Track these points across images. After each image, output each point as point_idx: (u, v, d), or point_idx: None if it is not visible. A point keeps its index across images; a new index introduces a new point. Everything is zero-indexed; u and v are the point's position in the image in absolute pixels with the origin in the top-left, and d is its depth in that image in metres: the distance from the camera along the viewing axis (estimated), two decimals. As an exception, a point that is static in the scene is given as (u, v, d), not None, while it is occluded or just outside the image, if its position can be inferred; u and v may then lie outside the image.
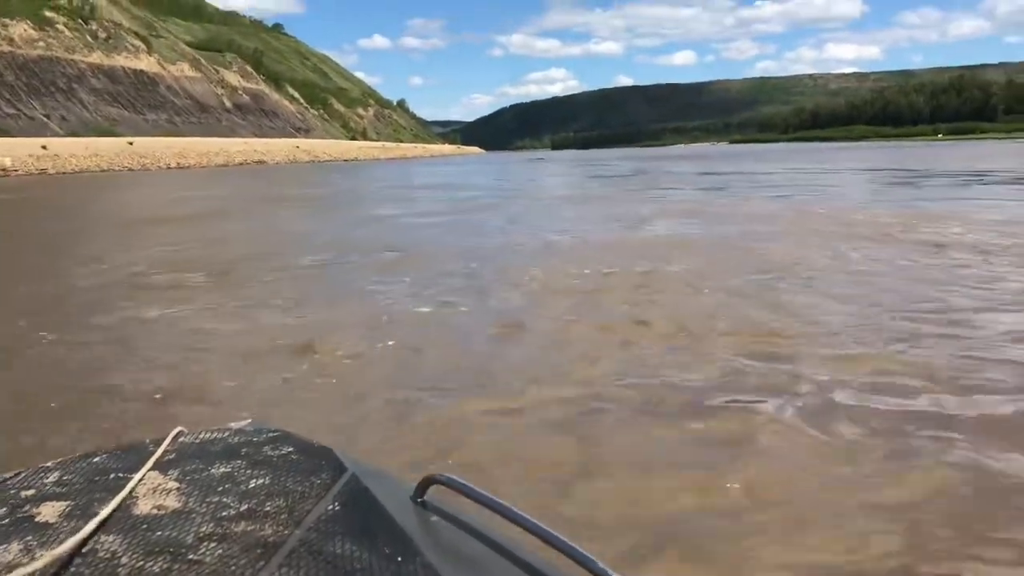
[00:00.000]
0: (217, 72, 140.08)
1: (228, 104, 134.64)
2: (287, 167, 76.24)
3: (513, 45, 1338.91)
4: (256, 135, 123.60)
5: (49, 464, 0.98)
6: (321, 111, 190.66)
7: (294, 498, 0.90)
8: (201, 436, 1.08)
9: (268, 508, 0.87)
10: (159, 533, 0.81)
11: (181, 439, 1.07)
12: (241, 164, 79.85)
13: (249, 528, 0.83)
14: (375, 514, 0.89)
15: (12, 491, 0.90)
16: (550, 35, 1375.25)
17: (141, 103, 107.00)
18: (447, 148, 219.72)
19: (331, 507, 0.89)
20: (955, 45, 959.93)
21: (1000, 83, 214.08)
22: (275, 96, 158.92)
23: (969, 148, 79.29)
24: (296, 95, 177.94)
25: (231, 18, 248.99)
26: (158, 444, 1.03)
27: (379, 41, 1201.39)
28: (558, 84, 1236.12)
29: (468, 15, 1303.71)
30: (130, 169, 62.08)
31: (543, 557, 0.86)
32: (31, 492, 0.89)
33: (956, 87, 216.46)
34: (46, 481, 0.93)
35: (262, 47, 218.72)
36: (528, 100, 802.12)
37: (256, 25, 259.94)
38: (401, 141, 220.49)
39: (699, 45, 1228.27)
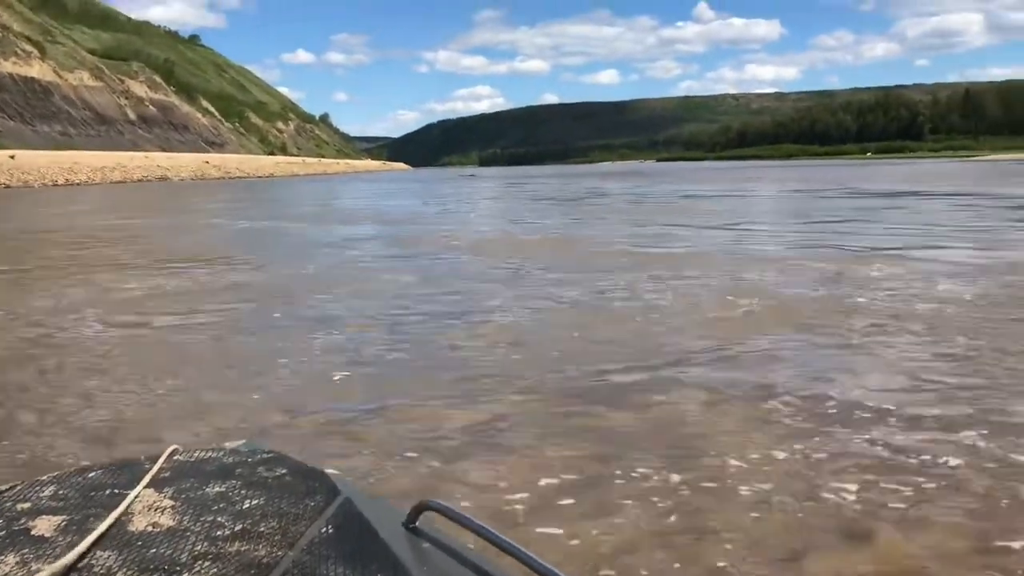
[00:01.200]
0: (122, 82, 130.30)
1: (132, 116, 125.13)
2: (193, 184, 69.11)
3: (439, 62, 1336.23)
4: (163, 149, 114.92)
5: (44, 478, 0.98)
6: (237, 125, 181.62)
7: (288, 520, 0.90)
8: (196, 455, 1.08)
9: (262, 529, 0.87)
10: (154, 550, 0.81)
11: (176, 457, 1.07)
12: (141, 180, 72.48)
13: (243, 548, 0.83)
14: (368, 538, 0.89)
15: (8, 504, 0.90)
16: (476, 52, 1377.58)
17: (30, 113, 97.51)
18: (372, 164, 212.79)
19: (324, 530, 0.89)
20: (869, 67, 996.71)
21: (926, 102, 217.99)
22: (186, 108, 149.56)
23: (908, 167, 77.12)
24: (210, 108, 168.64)
25: (143, 27, 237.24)
26: (153, 461, 1.04)
27: (303, 56, 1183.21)
28: (485, 101, 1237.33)
29: (393, 31, 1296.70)
30: (7, 185, 54.29)
31: None
32: (27, 505, 0.90)
33: (882, 106, 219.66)
34: (42, 495, 0.93)
35: (176, 58, 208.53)
36: (455, 116, 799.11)
37: (171, 36, 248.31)
38: (324, 156, 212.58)
39: (623, 64, 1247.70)
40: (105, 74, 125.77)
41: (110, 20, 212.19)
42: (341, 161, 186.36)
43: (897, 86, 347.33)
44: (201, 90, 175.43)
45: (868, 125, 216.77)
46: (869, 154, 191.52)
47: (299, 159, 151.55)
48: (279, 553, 0.82)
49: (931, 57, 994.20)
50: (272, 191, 46.64)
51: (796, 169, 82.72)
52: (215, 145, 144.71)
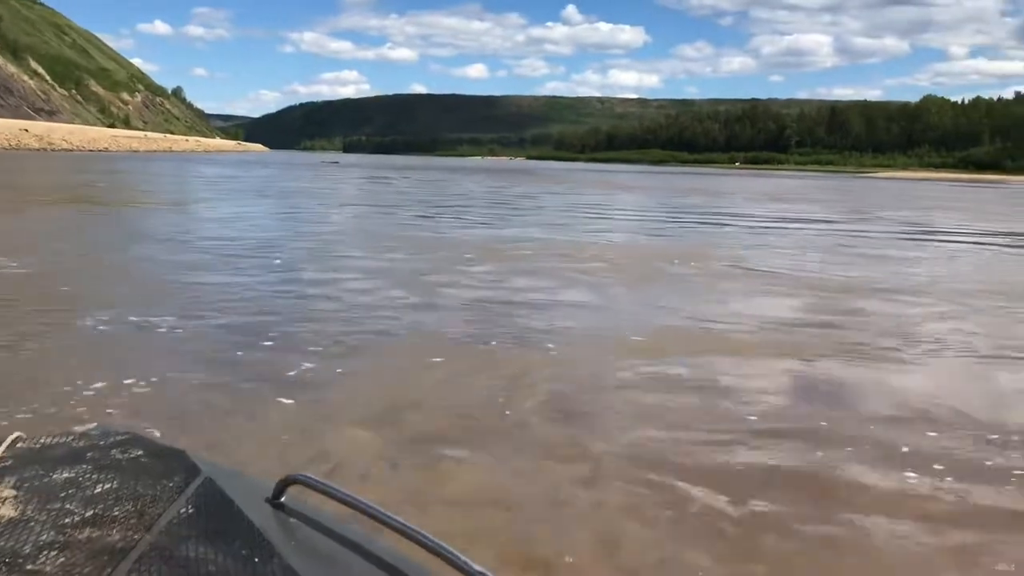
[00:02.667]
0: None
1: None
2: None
3: (305, 43, 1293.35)
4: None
5: None
6: (74, 92, 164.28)
7: (144, 502, 0.87)
8: (41, 441, 1.03)
9: (116, 513, 0.84)
10: None
11: (19, 445, 1.02)
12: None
13: (95, 535, 0.79)
14: (230, 516, 0.86)
15: None
16: (344, 36, 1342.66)
17: None
18: (225, 143, 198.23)
19: (184, 510, 0.86)
20: (727, 80, 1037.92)
21: (793, 116, 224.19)
22: (11, 69, 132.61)
23: (778, 181, 75.19)
24: (41, 71, 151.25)
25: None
26: None
27: (160, 27, 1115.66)
28: (351, 86, 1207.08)
29: (257, 8, 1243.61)
30: None
31: (405, 554, 0.85)
32: None
33: (750, 117, 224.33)
34: None
35: (5, 13, 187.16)
36: (320, 100, 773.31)
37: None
38: (172, 132, 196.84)
39: (492, 59, 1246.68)
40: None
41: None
42: (191, 138, 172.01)
43: (752, 99, 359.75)
44: (32, 50, 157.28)
45: (736, 135, 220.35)
46: (738, 164, 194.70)
47: (141, 134, 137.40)
48: (135, 537, 0.79)
49: (785, 74, 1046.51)
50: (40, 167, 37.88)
51: (662, 178, 79.45)
52: (44, 112, 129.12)
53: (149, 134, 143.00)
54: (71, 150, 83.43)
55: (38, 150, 76.11)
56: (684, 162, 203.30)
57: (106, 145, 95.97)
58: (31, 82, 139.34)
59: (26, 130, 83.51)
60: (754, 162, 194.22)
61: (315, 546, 0.87)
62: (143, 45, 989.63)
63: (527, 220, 19.04)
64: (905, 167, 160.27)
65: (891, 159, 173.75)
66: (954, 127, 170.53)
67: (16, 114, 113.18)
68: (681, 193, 39.38)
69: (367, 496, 0.86)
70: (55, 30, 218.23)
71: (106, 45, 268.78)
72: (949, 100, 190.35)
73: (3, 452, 0.98)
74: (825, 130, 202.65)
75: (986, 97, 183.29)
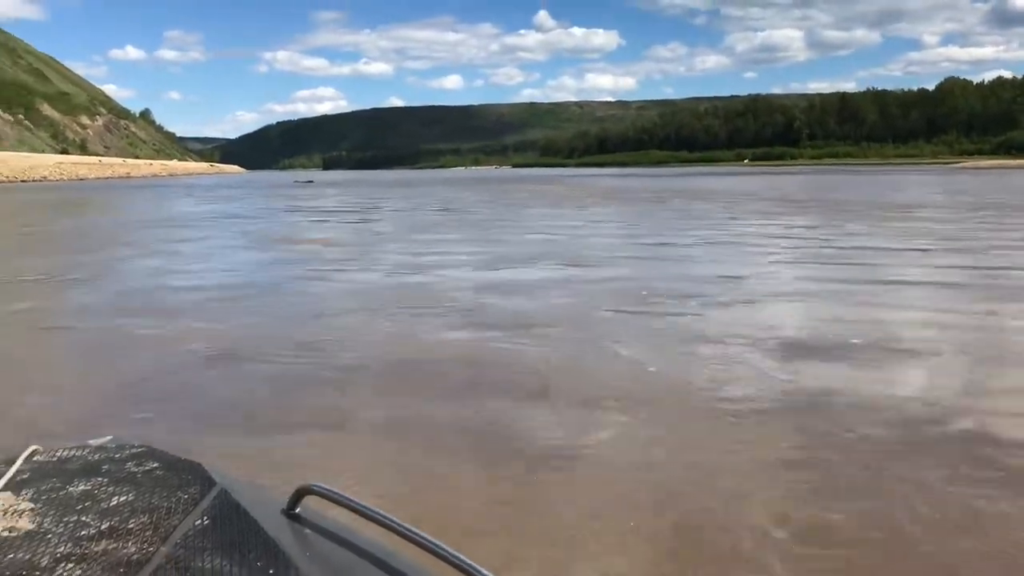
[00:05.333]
0: None
1: None
2: None
3: (279, 62, 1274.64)
4: None
5: None
6: (22, 117, 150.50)
7: (160, 514, 0.86)
8: (58, 454, 1.03)
9: (132, 525, 0.84)
10: (11, 556, 0.76)
11: (36, 458, 1.01)
12: None
13: (111, 547, 0.79)
14: (246, 527, 0.86)
15: None
16: (318, 54, 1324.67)
17: None
18: (196, 166, 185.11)
19: (199, 522, 0.86)
20: (702, 78, 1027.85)
21: (802, 107, 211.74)
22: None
23: (837, 178, 63.22)
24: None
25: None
26: (10, 464, 0.98)
27: (132, 53, 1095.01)
28: (327, 103, 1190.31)
29: (230, 30, 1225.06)
30: None
31: (420, 564, 0.84)
32: None
33: (752, 111, 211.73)
34: None
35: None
36: (297, 118, 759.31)
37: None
38: (138, 156, 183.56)
39: (467, 70, 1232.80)
40: None
41: None
42: (156, 162, 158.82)
43: (732, 96, 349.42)
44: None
45: (739, 130, 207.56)
46: (747, 161, 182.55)
47: (94, 159, 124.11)
48: (151, 549, 0.79)
49: (758, 70, 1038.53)
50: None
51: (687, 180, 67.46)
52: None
53: (104, 159, 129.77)
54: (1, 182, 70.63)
55: (-48, 183, 63.30)
56: (686, 162, 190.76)
57: (45, 174, 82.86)
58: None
59: (-59, 160, 70.24)
60: (764, 158, 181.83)
61: (330, 557, 0.86)
62: (116, 72, 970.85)
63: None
64: (935, 156, 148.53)
65: (916, 148, 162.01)
66: (983, 110, 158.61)
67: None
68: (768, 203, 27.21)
69: (380, 505, 0.86)
70: (10, 55, 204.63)
71: (69, 70, 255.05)
72: (971, 82, 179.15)
73: (21, 465, 0.98)
74: (836, 121, 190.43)
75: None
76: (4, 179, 73.69)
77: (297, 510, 0.94)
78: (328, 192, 42.55)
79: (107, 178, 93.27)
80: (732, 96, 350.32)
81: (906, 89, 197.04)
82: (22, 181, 74.45)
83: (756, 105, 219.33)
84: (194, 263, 12.32)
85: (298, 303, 8.41)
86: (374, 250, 13.74)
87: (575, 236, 15.93)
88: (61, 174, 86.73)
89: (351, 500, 0.88)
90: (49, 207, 31.82)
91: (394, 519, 0.84)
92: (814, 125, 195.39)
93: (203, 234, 17.55)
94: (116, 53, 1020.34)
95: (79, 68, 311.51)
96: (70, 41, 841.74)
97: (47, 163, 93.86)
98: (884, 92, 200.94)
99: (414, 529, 0.82)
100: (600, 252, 12.91)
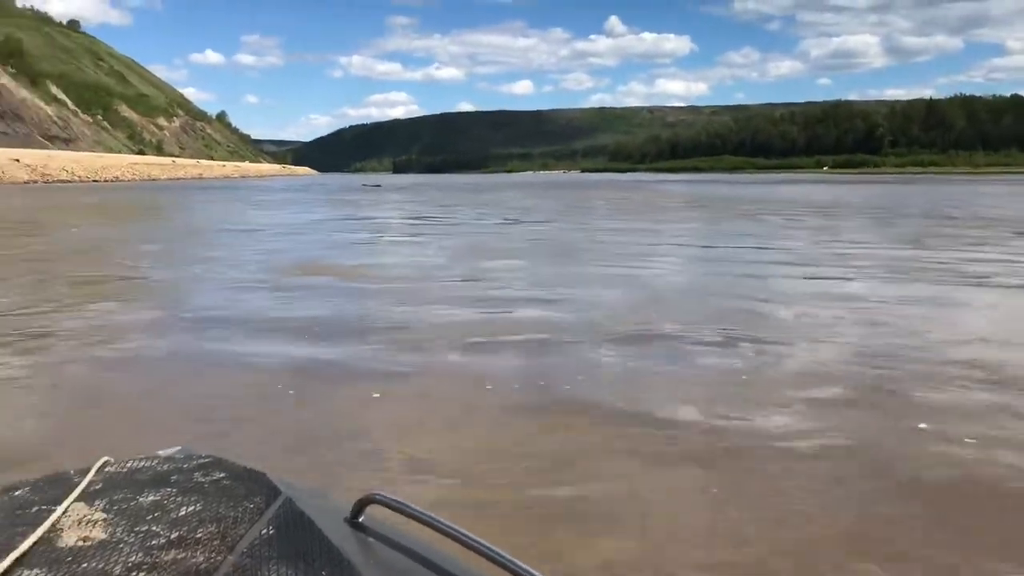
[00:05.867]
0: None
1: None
2: None
3: (353, 67, 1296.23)
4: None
5: None
6: (100, 117, 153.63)
7: (226, 524, 0.88)
8: (128, 465, 1.05)
9: (200, 535, 0.85)
10: (85, 565, 0.78)
11: (107, 469, 1.03)
12: None
13: (180, 556, 0.80)
14: (310, 537, 0.87)
15: None
16: (391, 58, 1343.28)
17: None
18: (268, 168, 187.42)
19: (265, 531, 0.87)
20: (775, 84, 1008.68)
21: (884, 114, 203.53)
22: (23, 95, 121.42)
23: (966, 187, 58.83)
24: (62, 96, 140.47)
25: (3, 5, 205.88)
26: (83, 475, 1.00)
27: (212, 57, 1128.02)
28: (399, 107, 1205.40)
29: (306, 34, 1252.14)
30: None
31: (484, 575, 0.84)
32: None
33: (832, 117, 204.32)
34: None
35: (42, 42, 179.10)
36: (369, 122, 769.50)
37: (38, 17, 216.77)
38: (213, 157, 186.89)
39: (537, 75, 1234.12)
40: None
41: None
42: (229, 164, 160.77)
43: (806, 102, 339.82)
44: (55, 75, 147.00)
45: (818, 137, 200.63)
46: (825, 168, 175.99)
47: (168, 160, 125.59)
48: (218, 558, 0.80)
49: (833, 76, 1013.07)
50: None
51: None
52: (59, 140, 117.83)
53: (178, 160, 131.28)
54: (70, 181, 71.00)
55: (26, 183, 63.60)
56: (762, 168, 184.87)
57: (118, 174, 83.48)
58: (47, 108, 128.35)
59: (17, 160, 70.89)
60: (845, 166, 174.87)
61: (394, 566, 0.87)
62: (196, 75, 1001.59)
63: None
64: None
65: (1008, 156, 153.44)
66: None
67: (25, 143, 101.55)
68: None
69: (444, 515, 0.86)
70: (92, 57, 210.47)
71: (150, 73, 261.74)
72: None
73: (93, 476, 1.00)
74: (921, 128, 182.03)
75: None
76: (77, 178, 74.24)
77: (360, 519, 0.95)
78: (392, 198, 40.43)
79: (178, 179, 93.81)
80: (807, 102, 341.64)
81: (996, 95, 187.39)
82: (94, 180, 74.95)
83: (836, 111, 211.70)
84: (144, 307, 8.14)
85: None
86: (422, 293, 8.79)
87: (711, 273, 11.04)
88: (134, 174, 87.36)
89: (415, 509, 0.89)
90: (62, 210, 30.41)
91: (459, 529, 0.84)
92: (897, 132, 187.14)
93: (214, 253, 13.77)
94: (196, 57, 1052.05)
95: (160, 71, 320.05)
96: (152, 45, 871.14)
97: (120, 163, 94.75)
98: (972, 98, 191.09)
99: (479, 539, 0.82)
100: (775, 311, 7.69)
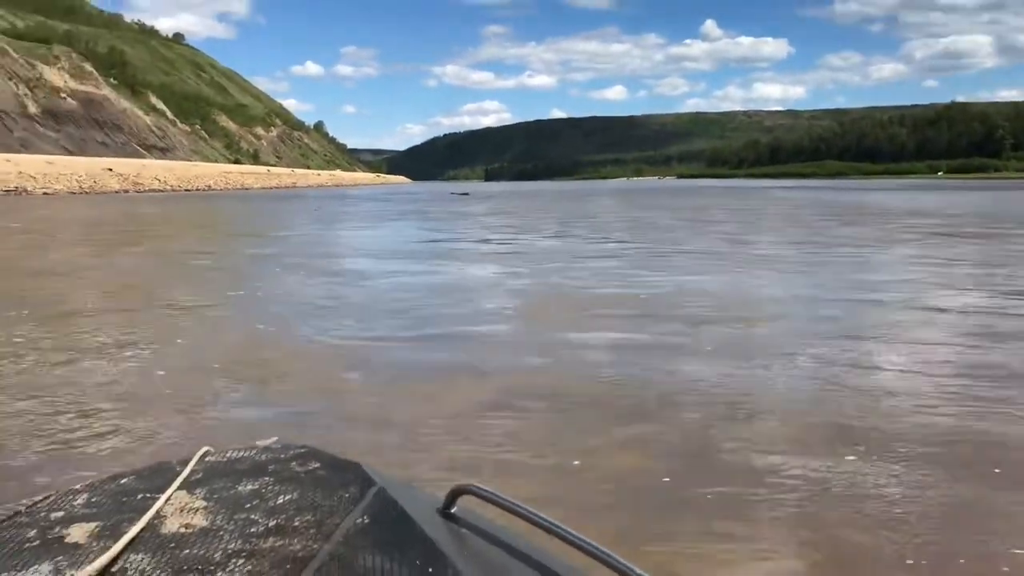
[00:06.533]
0: (33, 67, 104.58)
1: (34, 109, 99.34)
2: (58, 199, 44.79)
3: (447, 76, 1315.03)
4: (72, 152, 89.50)
5: (78, 487, 0.98)
6: (199, 127, 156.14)
7: (322, 513, 0.90)
8: (228, 455, 1.08)
9: (296, 523, 0.87)
10: (187, 551, 0.81)
11: (208, 458, 1.07)
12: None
13: (278, 544, 0.82)
14: (404, 526, 0.88)
15: (42, 514, 0.90)
16: (484, 67, 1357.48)
17: None
18: (363, 176, 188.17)
19: (360, 520, 0.89)
20: (877, 87, 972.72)
21: (1005, 114, 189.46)
22: (124, 104, 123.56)
23: None
24: (160, 106, 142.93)
25: (112, 21, 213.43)
26: (185, 464, 1.04)
27: (312, 68, 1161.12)
28: (492, 116, 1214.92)
29: (402, 45, 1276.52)
30: None
31: (576, 565, 0.85)
32: (60, 515, 0.90)
33: (946, 119, 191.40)
34: (75, 504, 0.93)
35: (146, 54, 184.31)
36: (462, 130, 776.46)
37: (144, 31, 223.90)
38: (309, 166, 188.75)
39: (630, 80, 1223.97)
40: (8, 55, 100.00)
41: (76, 11, 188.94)
42: (324, 172, 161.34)
43: (912, 105, 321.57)
44: (155, 86, 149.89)
45: (929, 141, 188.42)
46: (940, 173, 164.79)
47: (263, 169, 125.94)
48: (315, 546, 0.82)
49: (939, 78, 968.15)
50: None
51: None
52: (156, 149, 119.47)
53: (273, 169, 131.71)
54: (161, 190, 70.33)
55: (117, 191, 62.93)
56: (868, 174, 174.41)
57: (210, 183, 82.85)
58: (146, 118, 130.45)
59: (110, 169, 70.57)
60: (961, 170, 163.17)
61: (486, 556, 0.88)
62: (297, 87, 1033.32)
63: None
64: None
65: None
66: None
67: (122, 152, 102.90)
68: None
69: (536, 506, 0.86)
70: (193, 68, 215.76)
71: (250, 84, 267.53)
72: None
73: (194, 465, 1.03)
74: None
75: None
76: (169, 187, 73.60)
77: (453, 509, 0.96)
78: (475, 210, 36.03)
79: (272, 188, 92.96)
80: (912, 105, 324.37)
81: None
82: (186, 190, 74.21)
83: (950, 113, 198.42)
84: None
85: None
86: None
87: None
88: (227, 183, 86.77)
89: (507, 500, 0.89)
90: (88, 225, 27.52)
91: (550, 519, 0.85)
92: (1020, 134, 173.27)
93: (216, 313, 10.27)
94: (297, 69, 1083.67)
95: (262, 83, 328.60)
96: (256, 58, 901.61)
97: (212, 172, 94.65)
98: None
99: (569, 530, 0.83)
100: None
